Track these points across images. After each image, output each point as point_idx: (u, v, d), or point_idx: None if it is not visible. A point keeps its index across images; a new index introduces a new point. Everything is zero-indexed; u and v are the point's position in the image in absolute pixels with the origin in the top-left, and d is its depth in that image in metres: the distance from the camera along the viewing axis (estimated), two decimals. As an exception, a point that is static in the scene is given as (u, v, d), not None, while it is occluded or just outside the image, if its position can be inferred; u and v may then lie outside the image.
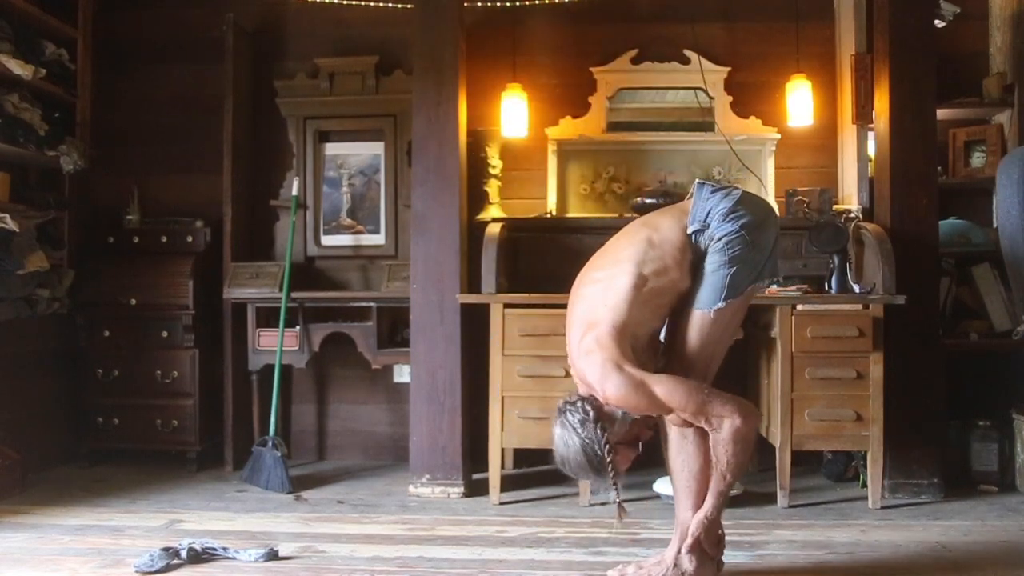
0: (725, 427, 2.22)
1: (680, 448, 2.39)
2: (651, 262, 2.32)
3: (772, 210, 2.49)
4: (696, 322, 2.33)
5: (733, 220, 2.31)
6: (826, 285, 3.56)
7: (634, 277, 2.30)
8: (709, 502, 2.31)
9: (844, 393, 3.29)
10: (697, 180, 2.47)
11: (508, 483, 3.56)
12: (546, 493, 3.56)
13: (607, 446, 2.21)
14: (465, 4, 3.82)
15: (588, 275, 2.44)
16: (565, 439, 2.24)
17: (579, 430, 2.22)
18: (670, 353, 2.40)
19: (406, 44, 3.96)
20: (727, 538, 2.82)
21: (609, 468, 2.21)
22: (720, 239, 2.31)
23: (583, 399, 2.27)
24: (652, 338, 2.40)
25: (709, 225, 2.33)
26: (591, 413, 2.23)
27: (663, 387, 2.20)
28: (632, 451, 2.34)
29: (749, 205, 2.36)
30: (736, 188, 2.43)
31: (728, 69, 4.12)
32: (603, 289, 2.33)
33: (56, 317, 3.98)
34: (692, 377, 2.31)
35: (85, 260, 4.10)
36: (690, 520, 2.36)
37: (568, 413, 2.25)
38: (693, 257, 2.36)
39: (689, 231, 2.35)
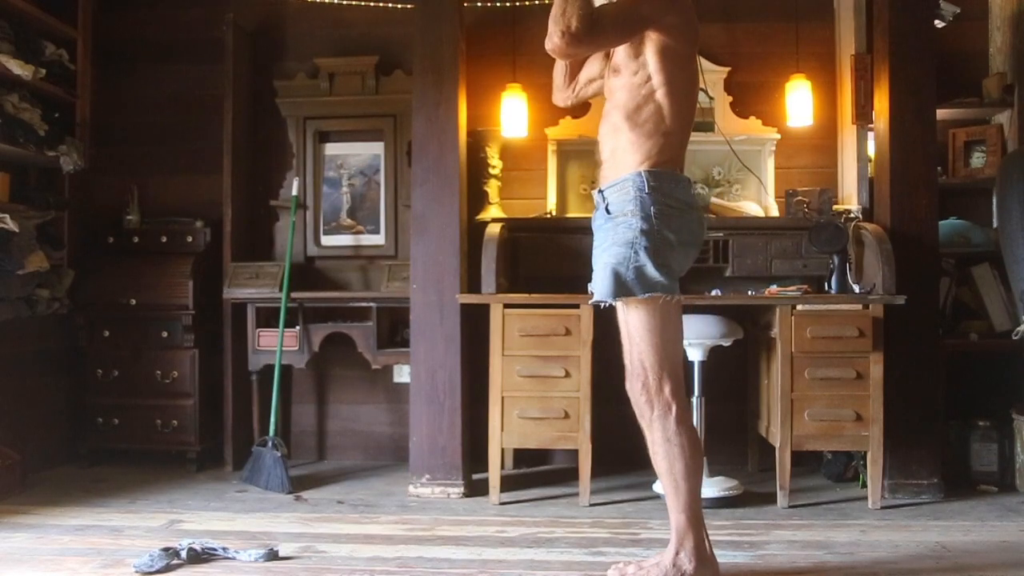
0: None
1: (665, 452, 2.36)
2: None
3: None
4: (630, 318, 2.34)
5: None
6: (826, 285, 3.56)
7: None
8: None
9: (844, 393, 3.29)
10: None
11: (508, 483, 3.56)
12: (546, 493, 3.56)
13: None
14: (465, 4, 3.82)
15: None
16: None
17: None
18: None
19: (406, 44, 3.96)
20: (727, 538, 2.84)
21: None
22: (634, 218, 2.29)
23: None
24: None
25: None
26: None
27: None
28: None
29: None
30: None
31: (728, 69, 4.11)
32: None
33: (56, 317, 3.98)
34: (651, 378, 2.31)
35: (85, 260, 4.10)
36: (682, 521, 2.36)
37: None
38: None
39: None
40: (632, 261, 2.29)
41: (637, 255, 2.29)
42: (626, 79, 2.37)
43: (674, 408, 2.31)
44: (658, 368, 2.31)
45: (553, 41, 2.24)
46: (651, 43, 2.33)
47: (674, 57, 2.34)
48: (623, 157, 2.36)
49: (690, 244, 2.39)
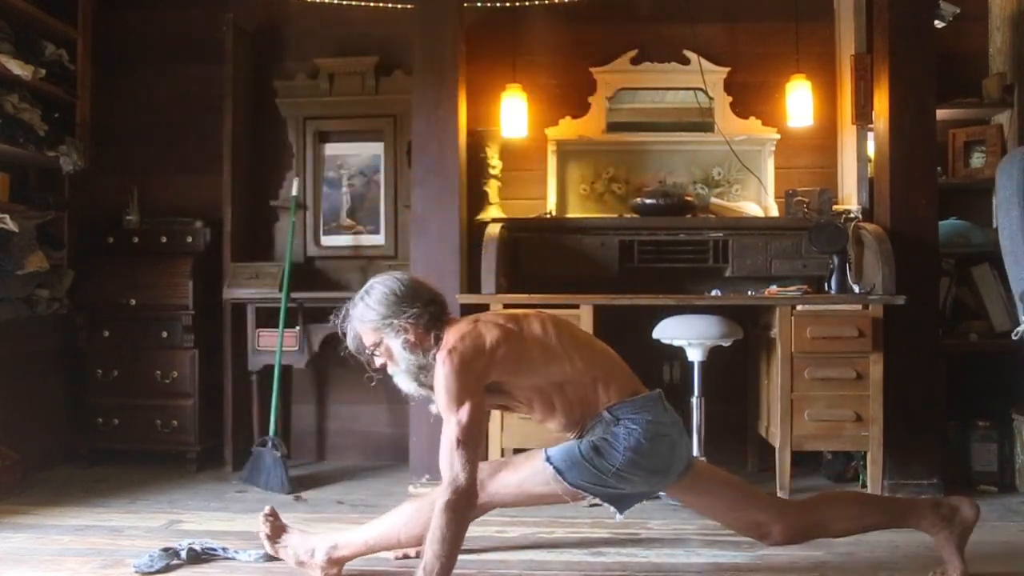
0: (441, 489, 2.27)
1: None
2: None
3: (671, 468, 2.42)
4: (538, 466, 2.39)
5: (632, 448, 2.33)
6: (826, 285, 3.56)
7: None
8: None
9: (844, 393, 3.29)
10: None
11: (508, 483, 3.56)
12: (546, 493, 3.55)
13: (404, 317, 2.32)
14: (465, 4, 3.82)
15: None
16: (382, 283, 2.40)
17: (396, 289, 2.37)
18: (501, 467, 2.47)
19: (406, 44, 3.96)
20: (727, 538, 2.83)
21: (385, 322, 2.32)
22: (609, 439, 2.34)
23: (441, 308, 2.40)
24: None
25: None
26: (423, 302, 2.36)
27: (466, 413, 2.30)
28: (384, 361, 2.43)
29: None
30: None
31: (728, 69, 4.11)
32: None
33: (56, 317, 3.98)
34: (482, 494, 2.37)
35: (85, 260, 4.10)
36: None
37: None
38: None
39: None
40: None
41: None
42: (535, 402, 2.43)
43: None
44: (503, 488, 2.45)
45: (451, 507, 2.26)
46: (505, 385, 2.39)
47: (520, 372, 2.36)
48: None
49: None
